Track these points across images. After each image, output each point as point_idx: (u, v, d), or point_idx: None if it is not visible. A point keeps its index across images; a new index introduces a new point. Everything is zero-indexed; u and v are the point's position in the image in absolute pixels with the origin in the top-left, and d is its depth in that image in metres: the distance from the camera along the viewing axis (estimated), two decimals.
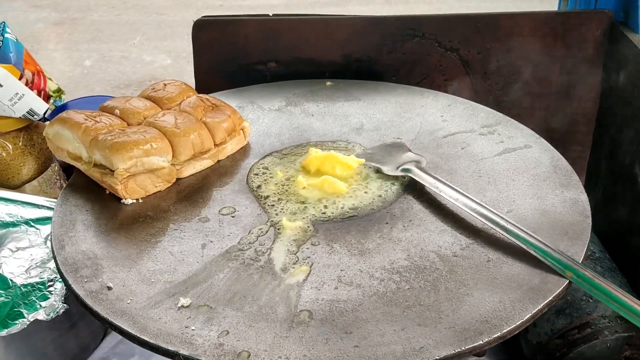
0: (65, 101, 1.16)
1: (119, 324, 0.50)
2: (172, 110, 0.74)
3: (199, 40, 0.95)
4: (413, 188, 0.66)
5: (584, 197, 0.63)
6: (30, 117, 0.90)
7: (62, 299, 0.68)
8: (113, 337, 0.80)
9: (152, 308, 0.52)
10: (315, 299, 0.53)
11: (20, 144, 0.92)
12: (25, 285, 0.69)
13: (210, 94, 0.81)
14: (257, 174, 0.70)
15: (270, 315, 0.51)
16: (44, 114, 0.92)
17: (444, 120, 0.80)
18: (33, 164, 0.94)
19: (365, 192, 0.66)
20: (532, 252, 0.55)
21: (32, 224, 0.77)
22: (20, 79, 0.93)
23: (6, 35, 1.02)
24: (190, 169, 0.71)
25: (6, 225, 0.76)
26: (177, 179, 0.70)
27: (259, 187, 0.68)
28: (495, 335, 0.48)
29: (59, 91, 1.17)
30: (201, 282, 0.55)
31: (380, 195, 0.65)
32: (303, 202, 0.65)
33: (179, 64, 2.32)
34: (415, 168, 0.67)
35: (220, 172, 0.72)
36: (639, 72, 0.84)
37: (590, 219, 0.60)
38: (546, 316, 0.73)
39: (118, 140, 0.65)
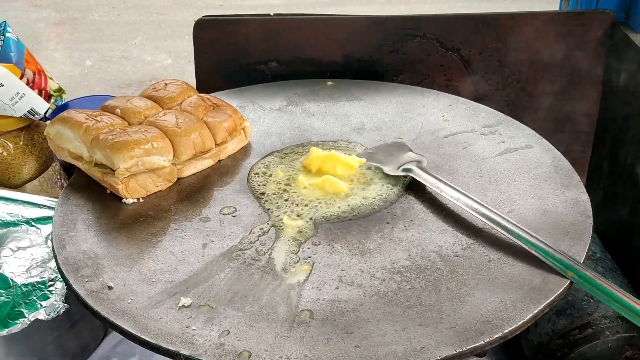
0: (66, 100, 1.16)
1: (119, 324, 0.50)
2: (173, 110, 0.74)
3: (199, 40, 0.95)
4: (414, 188, 0.66)
5: (585, 197, 0.63)
6: (31, 116, 0.90)
7: (63, 298, 0.68)
8: (113, 337, 0.79)
9: (152, 308, 0.52)
10: (316, 298, 0.53)
11: (21, 143, 0.92)
12: (25, 285, 0.69)
13: (211, 94, 0.81)
14: (258, 174, 0.70)
15: (271, 315, 0.51)
16: (45, 113, 0.91)
17: (445, 120, 0.80)
18: (34, 163, 0.94)
19: (366, 192, 0.66)
20: (533, 252, 0.55)
21: (33, 223, 0.77)
22: (21, 78, 0.93)
23: (7, 34, 1.02)
24: (191, 169, 0.70)
25: (7, 224, 0.76)
26: (178, 179, 0.70)
27: (259, 186, 0.68)
28: (497, 336, 0.48)
29: (60, 90, 1.16)
30: (202, 282, 0.55)
31: (381, 195, 0.65)
32: (304, 202, 0.64)
33: (179, 63, 2.32)
34: (416, 168, 0.67)
35: (221, 171, 0.72)
36: None
37: (592, 219, 0.60)
38: (547, 316, 0.72)
39: (119, 139, 0.65)
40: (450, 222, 0.61)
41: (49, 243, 0.74)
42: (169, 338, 0.49)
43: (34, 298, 0.68)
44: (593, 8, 0.94)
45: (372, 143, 0.76)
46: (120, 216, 0.64)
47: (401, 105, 0.84)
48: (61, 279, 0.68)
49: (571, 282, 0.53)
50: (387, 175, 0.68)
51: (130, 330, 0.50)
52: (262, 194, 0.66)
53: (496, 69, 0.94)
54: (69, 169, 0.99)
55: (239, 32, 0.94)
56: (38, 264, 0.71)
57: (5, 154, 0.91)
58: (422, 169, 0.67)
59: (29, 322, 0.66)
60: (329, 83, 0.90)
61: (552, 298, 0.51)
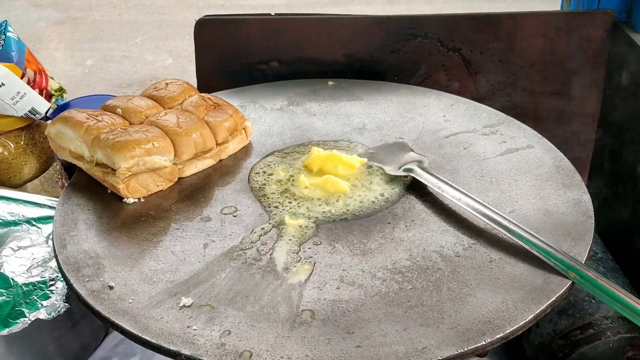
0: (67, 100, 1.16)
1: (120, 324, 0.50)
2: (174, 110, 0.74)
3: (200, 40, 0.94)
4: (415, 188, 0.66)
5: (586, 198, 0.63)
6: (32, 116, 0.90)
7: (64, 298, 0.68)
8: (114, 337, 0.79)
9: (153, 308, 0.52)
10: (317, 299, 0.53)
11: (22, 143, 0.92)
12: (26, 285, 0.69)
13: (212, 93, 0.81)
14: (259, 174, 0.70)
15: (272, 315, 0.51)
16: (46, 113, 0.91)
17: (447, 120, 0.80)
18: (35, 163, 0.94)
19: (367, 192, 0.66)
20: (534, 252, 0.55)
21: (34, 223, 0.77)
22: (22, 77, 0.93)
23: (8, 34, 1.02)
24: (192, 168, 0.70)
25: (8, 224, 0.76)
26: (179, 178, 0.70)
27: (260, 186, 0.68)
28: (498, 336, 0.48)
29: (61, 90, 1.16)
30: (203, 282, 0.55)
31: (382, 195, 0.65)
32: (305, 202, 0.64)
33: (180, 63, 2.32)
34: (417, 168, 0.67)
35: (222, 171, 0.72)
36: None
37: (593, 219, 0.60)
38: (548, 317, 0.72)
39: (120, 139, 0.65)
40: (452, 222, 0.61)
41: (50, 242, 0.74)
42: (170, 338, 0.49)
43: (35, 298, 0.68)
44: (594, 8, 0.94)
45: (374, 143, 0.75)
46: (121, 216, 0.64)
47: (402, 105, 0.83)
48: (62, 279, 0.68)
49: (573, 283, 0.53)
50: (389, 175, 0.68)
51: (131, 330, 0.50)
52: (263, 193, 0.66)
53: (497, 68, 0.94)
54: (69, 169, 0.99)
55: (240, 32, 0.94)
56: (39, 263, 0.71)
57: (6, 154, 0.91)
58: (424, 169, 0.67)
59: (29, 322, 0.66)
60: (330, 83, 0.90)
61: (553, 298, 0.51)
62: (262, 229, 0.61)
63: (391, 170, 0.68)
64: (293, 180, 0.68)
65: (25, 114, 0.89)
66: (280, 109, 0.84)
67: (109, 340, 0.79)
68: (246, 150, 0.75)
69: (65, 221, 0.63)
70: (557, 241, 0.57)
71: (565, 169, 0.68)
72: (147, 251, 0.59)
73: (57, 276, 0.70)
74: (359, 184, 0.67)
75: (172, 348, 0.48)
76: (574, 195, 0.64)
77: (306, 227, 0.61)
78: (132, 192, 0.66)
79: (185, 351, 0.47)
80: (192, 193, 0.68)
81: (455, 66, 0.94)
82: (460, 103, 0.83)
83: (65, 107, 1.09)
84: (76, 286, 0.55)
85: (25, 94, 0.88)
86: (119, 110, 0.72)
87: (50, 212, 0.78)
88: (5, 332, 0.65)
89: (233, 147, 0.74)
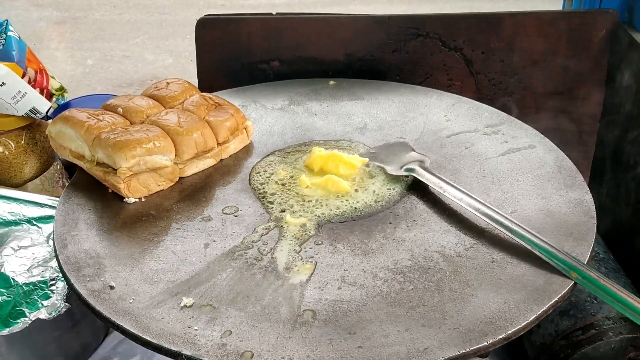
0: (67, 100, 1.16)
1: (121, 324, 0.50)
2: (175, 109, 0.74)
3: (201, 39, 0.94)
4: (417, 188, 0.66)
5: (588, 198, 0.63)
6: (33, 115, 0.90)
7: (64, 298, 0.68)
8: (115, 337, 0.79)
9: (154, 308, 0.52)
10: (318, 299, 0.52)
11: (23, 142, 0.92)
12: (27, 284, 0.68)
13: (213, 93, 0.81)
14: (259, 173, 0.70)
15: (274, 315, 0.51)
16: (47, 112, 0.91)
17: (448, 119, 0.79)
18: (35, 162, 0.94)
19: (368, 192, 0.66)
20: (536, 252, 0.55)
21: (34, 222, 0.77)
22: (23, 77, 0.93)
23: (9, 33, 1.02)
24: (193, 168, 0.70)
25: (8, 223, 0.76)
26: (180, 178, 0.70)
27: (261, 186, 0.67)
28: (500, 337, 0.48)
29: (62, 89, 1.16)
30: (204, 282, 0.55)
31: (383, 195, 0.65)
32: (306, 201, 0.64)
33: (180, 63, 2.32)
34: (419, 168, 0.67)
35: (223, 171, 0.72)
36: None
37: (596, 219, 0.60)
38: (550, 317, 0.72)
39: (121, 138, 0.65)
40: (453, 222, 0.61)
41: (51, 242, 0.73)
42: (170, 338, 0.49)
43: (35, 297, 0.68)
44: (596, 8, 0.94)
45: (375, 143, 0.75)
46: (122, 215, 0.64)
47: (404, 105, 0.83)
48: (62, 279, 0.68)
49: (575, 283, 0.53)
50: (390, 175, 0.68)
51: (132, 330, 0.50)
52: (264, 193, 0.66)
53: (499, 68, 0.94)
54: (70, 168, 0.99)
55: (241, 31, 0.93)
56: (39, 263, 0.71)
57: (7, 153, 0.91)
58: (425, 168, 0.67)
59: (30, 322, 0.65)
60: (331, 82, 0.90)
61: (556, 299, 0.51)
62: (263, 228, 0.61)
63: (392, 170, 0.68)
64: (294, 180, 0.68)
65: (26, 114, 0.89)
66: (281, 108, 0.84)
67: (110, 340, 0.79)
68: (247, 150, 0.75)
69: (66, 221, 0.63)
70: (559, 241, 0.57)
71: (567, 169, 0.68)
72: (148, 251, 0.59)
73: (57, 276, 0.70)
74: (360, 184, 0.67)
75: (173, 348, 0.48)
76: (576, 196, 0.63)
77: (307, 226, 0.61)
78: (133, 191, 0.66)
79: (187, 351, 0.47)
80: (193, 193, 0.68)
81: (457, 66, 0.94)
82: (461, 103, 0.83)
83: (66, 106, 1.09)
84: (77, 286, 0.54)
85: (26, 93, 0.88)
86: (119, 110, 0.72)
87: (51, 212, 0.78)
88: (5, 331, 0.64)
89: (234, 146, 0.74)
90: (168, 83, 0.79)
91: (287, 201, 0.65)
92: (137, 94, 0.78)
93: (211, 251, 0.58)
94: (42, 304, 0.67)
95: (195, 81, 0.92)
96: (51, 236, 0.71)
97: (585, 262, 0.55)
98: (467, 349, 0.47)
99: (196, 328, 0.50)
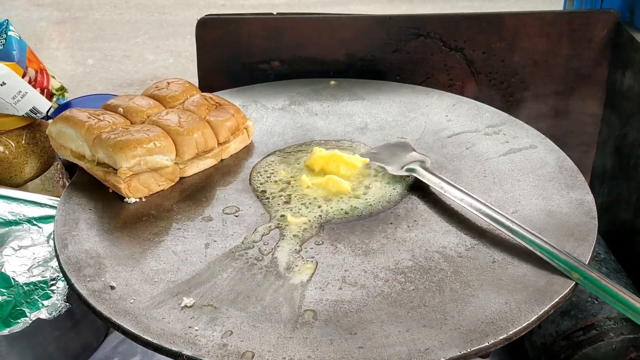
0: (68, 99, 1.16)
1: (121, 324, 0.50)
2: (176, 109, 0.74)
3: (202, 39, 0.94)
4: (417, 188, 0.66)
5: (590, 198, 0.63)
6: (33, 115, 0.90)
7: (65, 297, 0.68)
8: (115, 337, 0.79)
9: (155, 308, 0.52)
10: (319, 299, 0.52)
11: (23, 142, 0.92)
12: (27, 284, 0.68)
13: (214, 93, 0.81)
14: (260, 173, 0.70)
15: (274, 316, 0.51)
16: (47, 112, 0.91)
17: (449, 120, 0.79)
18: (36, 162, 0.94)
19: (369, 192, 0.66)
20: (537, 253, 0.55)
21: (35, 222, 0.77)
22: (23, 77, 0.93)
23: (9, 33, 1.02)
24: (193, 168, 0.70)
25: (9, 223, 0.76)
26: (181, 178, 0.70)
27: (262, 186, 0.67)
28: (501, 337, 0.48)
29: (62, 89, 1.16)
30: (205, 282, 0.55)
31: (384, 195, 0.65)
32: (307, 201, 0.64)
33: (181, 63, 2.32)
34: (419, 168, 0.67)
35: (224, 171, 0.71)
36: None
37: (597, 219, 0.60)
38: (551, 317, 0.72)
39: (121, 138, 0.65)
40: (454, 222, 0.61)
41: (51, 242, 0.73)
42: (171, 338, 0.49)
43: (36, 297, 0.68)
44: (597, 8, 0.94)
45: (376, 143, 0.75)
46: (123, 215, 0.64)
47: (404, 105, 0.83)
48: (63, 278, 0.67)
49: (576, 284, 0.53)
50: (391, 175, 0.68)
51: (133, 331, 0.49)
52: (265, 193, 0.66)
53: (500, 68, 0.94)
54: (71, 168, 0.99)
55: (242, 31, 0.93)
56: (40, 263, 0.71)
57: (7, 153, 0.91)
58: (426, 169, 0.67)
59: (30, 322, 0.65)
60: (332, 82, 0.90)
61: (557, 299, 0.51)
62: (264, 228, 0.61)
63: (393, 170, 0.68)
64: (295, 180, 0.68)
65: (27, 113, 0.89)
66: (282, 108, 0.84)
67: (110, 340, 0.79)
68: (248, 150, 0.75)
69: (67, 221, 0.63)
70: (560, 242, 0.57)
71: (568, 169, 0.68)
72: (148, 251, 0.59)
73: (58, 276, 0.70)
74: (360, 184, 0.67)
75: (173, 348, 0.48)
76: (577, 196, 0.63)
77: (308, 226, 0.61)
78: (134, 191, 0.66)
79: (187, 352, 0.47)
80: (193, 193, 0.67)
81: (458, 66, 0.94)
82: (462, 103, 0.83)
83: (66, 106, 1.09)
84: (77, 286, 0.54)
85: (26, 93, 0.88)
86: (120, 110, 0.72)
87: (52, 212, 0.77)
88: (6, 331, 0.64)
89: (234, 146, 0.74)
90: (169, 83, 0.79)
91: (288, 201, 0.64)
92: (137, 93, 0.78)
93: (212, 251, 0.58)
94: (43, 304, 0.67)
95: (195, 81, 0.92)
96: (51, 236, 0.71)
97: (587, 263, 0.54)
98: (468, 350, 0.47)
99: (197, 328, 0.50)
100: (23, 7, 2.90)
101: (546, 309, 0.50)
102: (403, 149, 0.72)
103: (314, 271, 0.55)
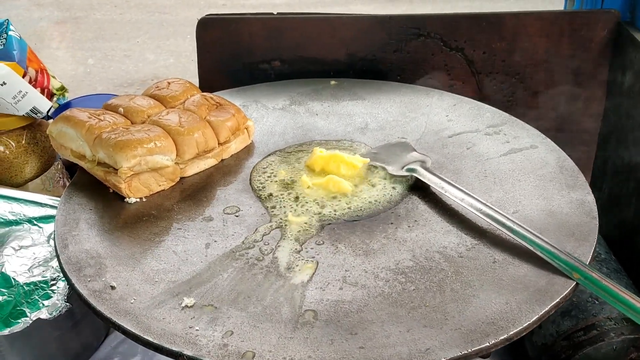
0: (68, 99, 1.16)
1: (122, 324, 0.50)
2: (176, 109, 0.74)
3: (202, 39, 0.94)
4: (418, 188, 0.66)
5: (590, 198, 0.63)
6: (34, 115, 0.90)
7: (65, 297, 0.68)
8: (115, 337, 0.79)
9: (155, 308, 0.52)
10: (320, 299, 0.52)
11: (24, 142, 0.92)
12: (27, 284, 0.68)
13: (214, 93, 0.81)
14: (260, 173, 0.70)
15: (275, 316, 0.51)
16: (48, 112, 0.91)
17: (449, 120, 0.79)
18: (36, 162, 0.93)
19: (370, 192, 0.65)
20: (538, 253, 0.55)
21: (35, 222, 0.77)
22: (23, 76, 0.93)
23: (10, 32, 1.02)
24: (194, 168, 0.70)
25: (9, 223, 0.76)
26: (181, 178, 0.70)
27: (262, 186, 0.67)
28: (502, 337, 0.48)
29: (63, 89, 1.16)
30: (205, 282, 0.55)
31: (385, 195, 0.65)
32: (307, 201, 0.64)
33: (181, 63, 2.32)
34: (420, 168, 0.67)
35: (224, 171, 0.71)
36: None
37: (597, 220, 0.60)
38: (551, 318, 0.72)
39: (122, 138, 0.65)
40: (455, 222, 0.61)
41: (51, 242, 0.73)
42: (172, 338, 0.48)
43: (36, 297, 0.67)
44: (598, 8, 0.93)
45: (376, 143, 0.75)
46: (123, 215, 0.64)
47: (405, 105, 0.83)
48: (63, 278, 0.67)
49: (577, 284, 0.53)
50: (391, 175, 0.68)
51: (133, 331, 0.49)
52: (265, 193, 0.66)
53: (500, 68, 0.94)
54: (71, 168, 0.99)
55: (242, 31, 0.93)
56: (40, 263, 0.71)
57: (8, 153, 0.91)
58: (426, 169, 0.67)
59: (31, 322, 0.65)
60: (333, 82, 0.90)
61: (557, 300, 0.51)
62: (265, 228, 0.61)
63: (394, 170, 0.68)
64: (295, 180, 0.68)
65: (27, 113, 0.89)
66: (282, 108, 0.84)
67: (110, 340, 0.79)
68: (248, 150, 0.75)
69: (67, 221, 0.63)
70: (560, 242, 0.56)
71: (568, 169, 0.68)
72: (149, 251, 0.59)
73: (58, 276, 0.70)
74: (361, 184, 0.67)
75: (174, 349, 0.48)
76: (578, 196, 0.63)
77: (309, 227, 0.61)
78: (134, 191, 0.66)
79: (188, 352, 0.47)
80: (194, 193, 0.67)
81: (458, 66, 0.94)
82: (463, 103, 0.83)
83: (66, 106, 1.09)
84: (78, 286, 0.54)
85: (26, 93, 0.88)
86: (120, 110, 0.72)
87: (52, 212, 0.77)
88: (6, 331, 0.64)
89: (235, 146, 0.74)
90: (169, 83, 0.79)
91: (288, 201, 0.64)
92: (138, 93, 0.78)
93: (212, 251, 0.58)
94: (43, 304, 0.67)
95: (196, 81, 0.92)
96: (52, 236, 0.71)
97: (587, 263, 0.54)
98: (469, 350, 0.47)
99: (197, 328, 0.50)
100: (24, 6, 2.90)
101: (547, 309, 0.50)
102: (403, 149, 0.72)
103: (315, 271, 0.55)
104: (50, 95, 1.05)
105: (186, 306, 0.52)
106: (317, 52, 0.94)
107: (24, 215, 0.77)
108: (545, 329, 0.73)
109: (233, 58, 0.95)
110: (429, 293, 0.53)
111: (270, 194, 0.66)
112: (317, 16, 0.94)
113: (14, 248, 0.72)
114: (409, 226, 0.61)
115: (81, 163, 0.70)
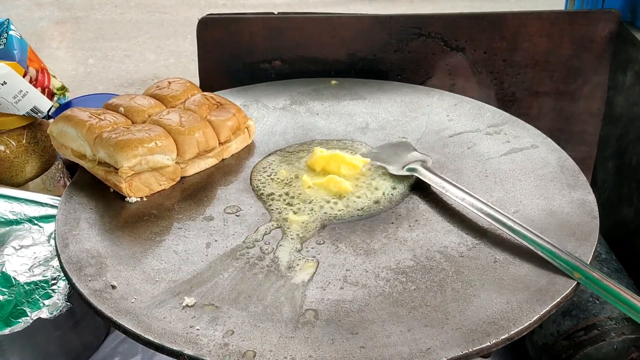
0: (69, 99, 1.16)
1: (123, 323, 0.50)
2: (177, 109, 0.74)
3: (203, 39, 0.94)
4: (419, 188, 0.66)
5: (591, 198, 0.63)
6: (34, 114, 0.90)
7: (66, 297, 0.68)
8: (116, 336, 0.79)
9: (156, 307, 0.52)
10: (320, 299, 0.52)
11: (24, 141, 0.92)
12: (28, 284, 0.68)
13: (215, 92, 0.80)
14: (261, 173, 0.70)
15: (276, 315, 0.51)
16: (48, 111, 0.91)
17: (450, 119, 0.79)
18: (37, 161, 0.94)
19: (370, 192, 0.65)
20: (539, 253, 0.55)
21: (36, 221, 0.77)
22: (24, 76, 0.93)
23: (10, 32, 1.02)
24: (194, 168, 0.70)
25: (9, 223, 0.76)
26: (182, 178, 0.70)
27: (263, 185, 0.67)
28: (503, 337, 0.48)
29: (63, 89, 1.16)
30: (206, 282, 0.54)
31: (385, 195, 0.65)
32: (308, 201, 0.64)
33: (182, 62, 2.32)
34: (421, 167, 0.67)
35: (225, 170, 0.71)
36: None
37: (598, 219, 0.60)
38: (552, 317, 0.72)
39: (122, 138, 0.65)
40: (456, 222, 0.61)
41: (52, 241, 0.73)
42: (172, 338, 0.48)
43: (37, 297, 0.67)
44: (599, 7, 0.93)
45: (377, 142, 0.75)
46: (124, 215, 0.64)
47: (406, 105, 0.83)
48: (64, 278, 0.67)
49: (578, 284, 0.52)
50: (392, 175, 0.68)
51: (134, 330, 0.49)
52: (266, 193, 0.66)
53: (501, 68, 0.94)
54: (71, 168, 0.99)
55: (243, 31, 0.93)
56: (41, 262, 0.71)
57: (8, 152, 0.91)
58: (427, 168, 0.67)
59: (31, 321, 0.65)
60: (333, 82, 0.90)
61: (558, 299, 0.51)
62: (265, 228, 0.61)
63: (394, 170, 0.68)
64: (296, 179, 0.68)
65: (28, 113, 0.89)
66: (283, 108, 0.84)
67: (111, 340, 0.79)
68: (249, 150, 0.75)
69: (68, 220, 0.63)
70: (561, 242, 0.56)
71: (569, 169, 0.68)
72: (149, 250, 0.59)
73: (59, 275, 0.70)
74: (362, 184, 0.67)
75: (174, 348, 0.48)
76: (579, 196, 0.63)
77: (309, 226, 0.61)
78: (135, 191, 0.66)
79: (188, 351, 0.47)
80: (194, 192, 0.67)
81: (459, 65, 0.94)
82: (463, 102, 0.83)
83: (67, 105, 1.09)
84: (78, 285, 0.54)
85: (27, 92, 0.88)
86: (121, 109, 0.72)
87: (52, 211, 0.77)
88: (7, 331, 0.64)
89: (236, 146, 0.74)
90: (170, 82, 0.79)
91: (289, 201, 0.64)
92: (138, 93, 0.78)
93: (213, 251, 0.58)
94: (44, 303, 0.67)
95: (196, 81, 0.92)
96: (52, 235, 0.71)
97: (588, 263, 0.54)
98: (470, 349, 0.47)
99: (198, 328, 0.50)
100: (24, 6, 2.90)
101: (548, 308, 0.50)
102: (404, 148, 0.72)
103: (316, 271, 0.55)
104: (50, 95, 1.05)
105: (187, 305, 0.52)
106: (317, 51, 0.94)
107: (24, 214, 0.77)
108: (546, 329, 0.73)
109: (233, 58, 0.95)
110: (430, 293, 0.53)
111: (271, 194, 0.66)
112: (317, 16, 0.94)
113: (14, 247, 0.72)
114: (409, 226, 0.61)
115: (82, 162, 0.70)
